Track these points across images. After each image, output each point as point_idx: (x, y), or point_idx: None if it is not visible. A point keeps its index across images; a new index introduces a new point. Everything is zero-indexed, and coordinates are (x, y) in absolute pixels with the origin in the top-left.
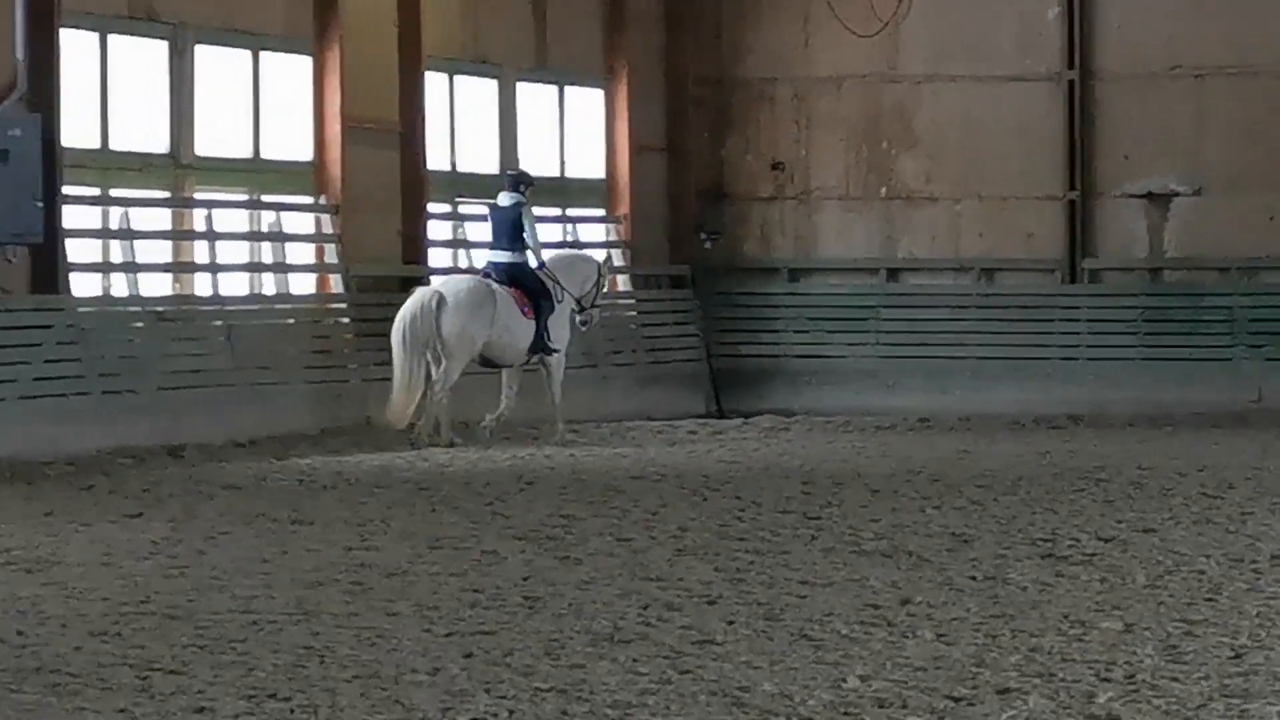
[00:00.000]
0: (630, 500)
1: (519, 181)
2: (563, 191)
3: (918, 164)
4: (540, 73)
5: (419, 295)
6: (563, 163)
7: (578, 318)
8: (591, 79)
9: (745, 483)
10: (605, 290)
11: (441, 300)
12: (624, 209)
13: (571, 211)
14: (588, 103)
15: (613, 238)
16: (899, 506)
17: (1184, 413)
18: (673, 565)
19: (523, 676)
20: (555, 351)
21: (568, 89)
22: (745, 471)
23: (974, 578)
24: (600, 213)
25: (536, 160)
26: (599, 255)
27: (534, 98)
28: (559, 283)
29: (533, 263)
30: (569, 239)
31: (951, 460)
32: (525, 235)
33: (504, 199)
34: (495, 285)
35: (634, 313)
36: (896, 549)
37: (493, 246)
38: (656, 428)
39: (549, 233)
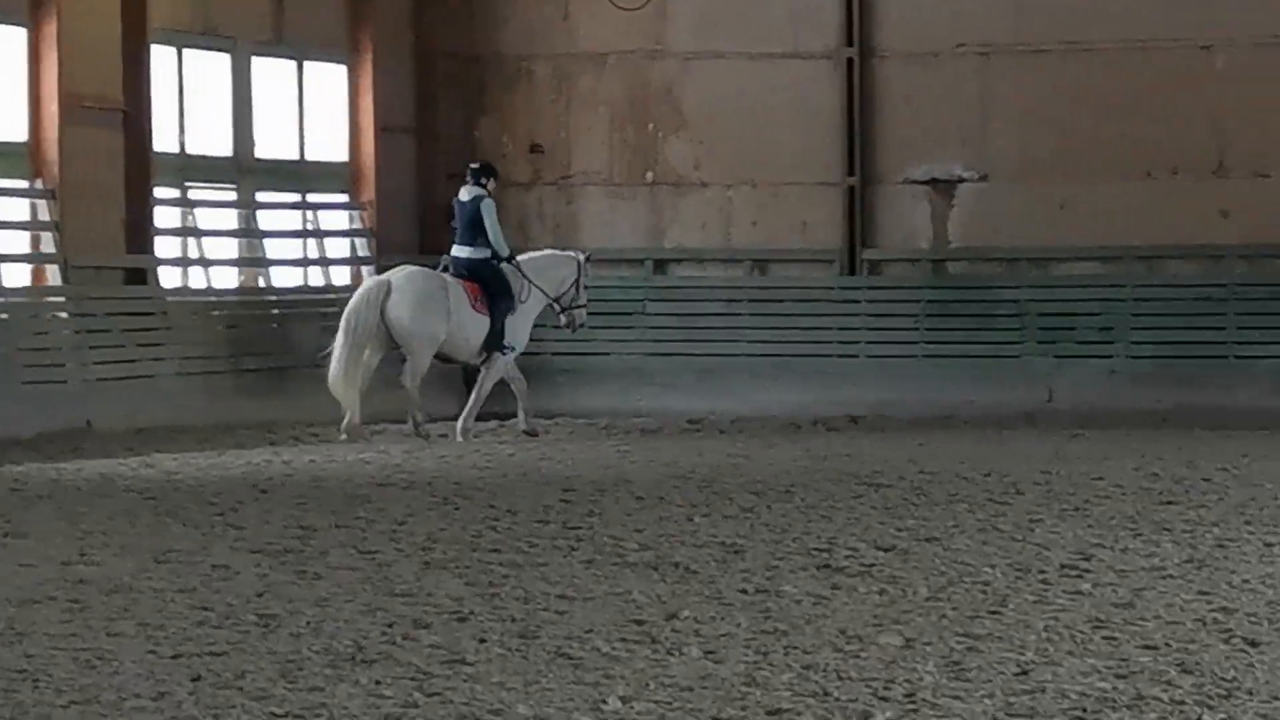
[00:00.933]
0: (375, 509)
1: (480, 174)
2: (301, 176)
3: (686, 147)
4: (277, 47)
5: (366, 284)
6: (302, 144)
7: (562, 319)
8: (333, 54)
9: (500, 490)
10: (585, 289)
11: (389, 291)
12: (368, 195)
13: (312, 197)
14: (329, 79)
15: (356, 225)
16: (666, 515)
17: (970, 413)
18: (420, 579)
19: (256, 701)
20: (508, 350)
21: (307, 64)
22: (500, 478)
23: (745, 590)
24: (343, 198)
25: (273, 142)
26: (580, 255)
27: (270, 74)
28: (531, 281)
29: (503, 254)
30: (309, 227)
31: (722, 465)
32: (487, 230)
33: (464, 193)
34: (449, 278)
35: None
36: (662, 560)
37: (456, 241)
38: (404, 430)
39: (288, 221)
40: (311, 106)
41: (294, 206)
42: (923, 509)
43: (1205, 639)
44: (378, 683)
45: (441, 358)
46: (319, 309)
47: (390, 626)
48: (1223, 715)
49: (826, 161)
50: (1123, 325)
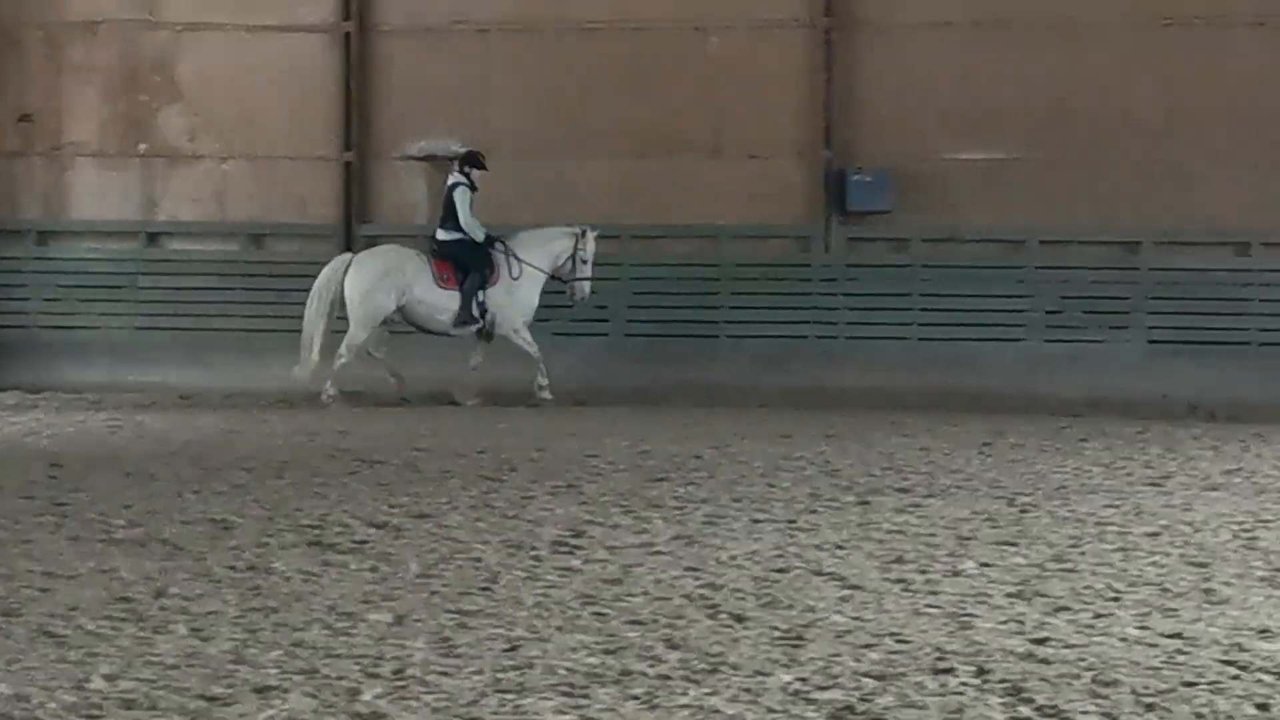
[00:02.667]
0: None
1: (463, 161)
2: None
3: (181, 120)
4: None
5: (335, 260)
6: None
7: (576, 291)
8: None
9: None
10: (588, 263)
11: (350, 266)
12: None
13: None
14: None
15: None
16: (155, 491)
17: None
18: None
19: None
20: (475, 323)
21: None
22: None
23: (234, 568)
24: None
25: None
26: (579, 229)
27: None
28: (517, 258)
29: (476, 238)
30: None
31: (215, 441)
32: (458, 214)
33: (449, 179)
34: (418, 255)
35: None
36: (150, 537)
37: (440, 224)
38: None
39: None
40: None
41: None
42: (416, 486)
43: (692, 615)
44: None
45: (418, 328)
46: None
47: None
48: (707, 690)
49: (324, 136)
50: (619, 303)
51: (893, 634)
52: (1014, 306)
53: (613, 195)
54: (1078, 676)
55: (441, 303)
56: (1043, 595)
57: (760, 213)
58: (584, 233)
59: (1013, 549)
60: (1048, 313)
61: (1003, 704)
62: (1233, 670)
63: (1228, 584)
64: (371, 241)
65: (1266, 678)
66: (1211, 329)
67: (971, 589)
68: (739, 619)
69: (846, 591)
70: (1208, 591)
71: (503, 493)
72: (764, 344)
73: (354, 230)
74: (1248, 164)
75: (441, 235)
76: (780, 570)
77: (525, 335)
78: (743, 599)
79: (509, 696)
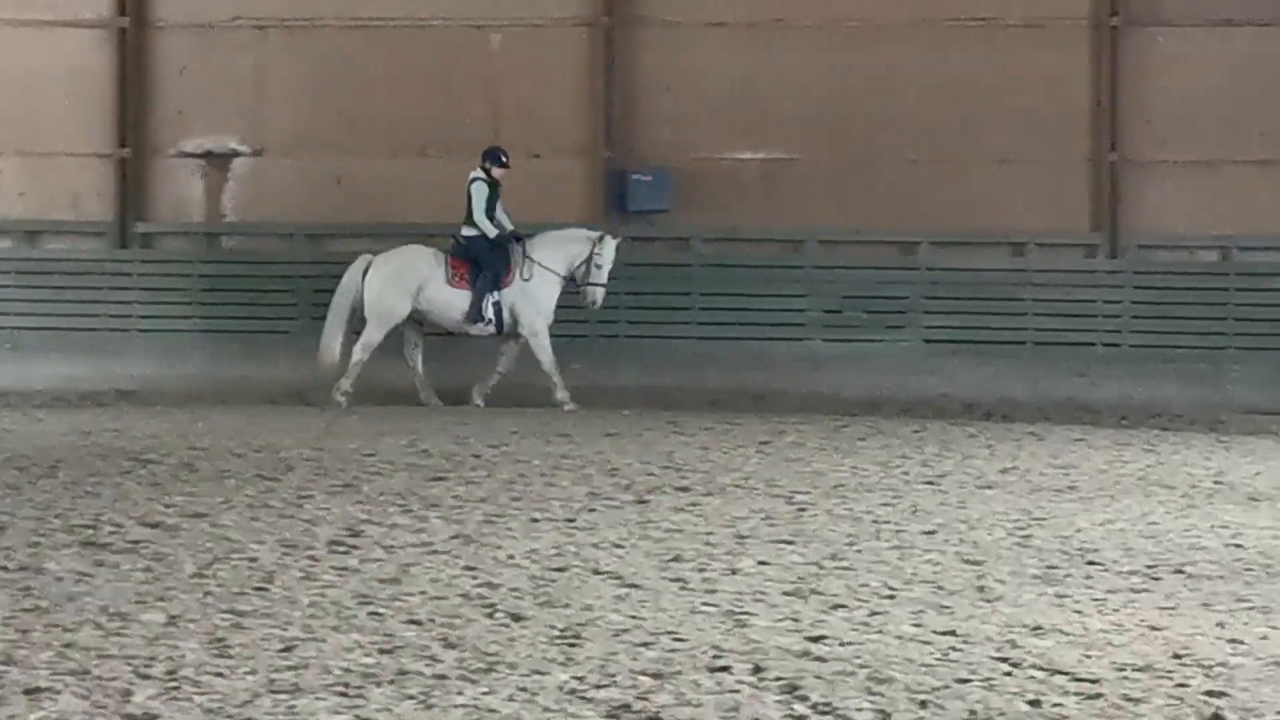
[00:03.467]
0: None
1: (484, 157)
2: None
3: None
4: None
5: (357, 260)
6: None
7: (587, 296)
8: None
9: None
10: (602, 268)
11: (369, 266)
12: None
13: None
14: None
15: None
16: None
17: (246, 389)
18: None
19: None
20: (480, 322)
21: None
22: None
23: (5, 568)
24: None
25: None
26: (596, 233)
27: None
28: (534, 260)
29: (489, 234)
30: None
31: None
32: (472, 210)
33: (470, 175)
34: (435, 255)
35: None
36: None
37: (463, 222)
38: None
39: None
40: None
41: None
42: (192, 485)
43: (469, 614)
44: None
45: (439, 328)
46: None
47: None
48: (484, 689)
49: (100, 133)
50: None
51: (670, 632)
52: (793, 306)
53: (391, 192)
54: (853, 674)
55: (453, 301)
56: (819, 593)
57: (541, 211)
58: (602, 237)
59: (790, 547)
60: (826, 312)
61: (779, 702)
62: (1005, 667)
63: (1001, 581)
64: (146, 240)
65: (1039, 674)
66: (988, 329)
67: (749, 587)
68: (516, 618)
69: (624, 590)
70: (982, 589)
71: (279, 492)
72: (566, 343)
73: (129, 228)
74: (1024, 165)
75: (462, 232)
76: (558, 569)
77: (543, 341)
78: (520, 598)
79: (283, 697)
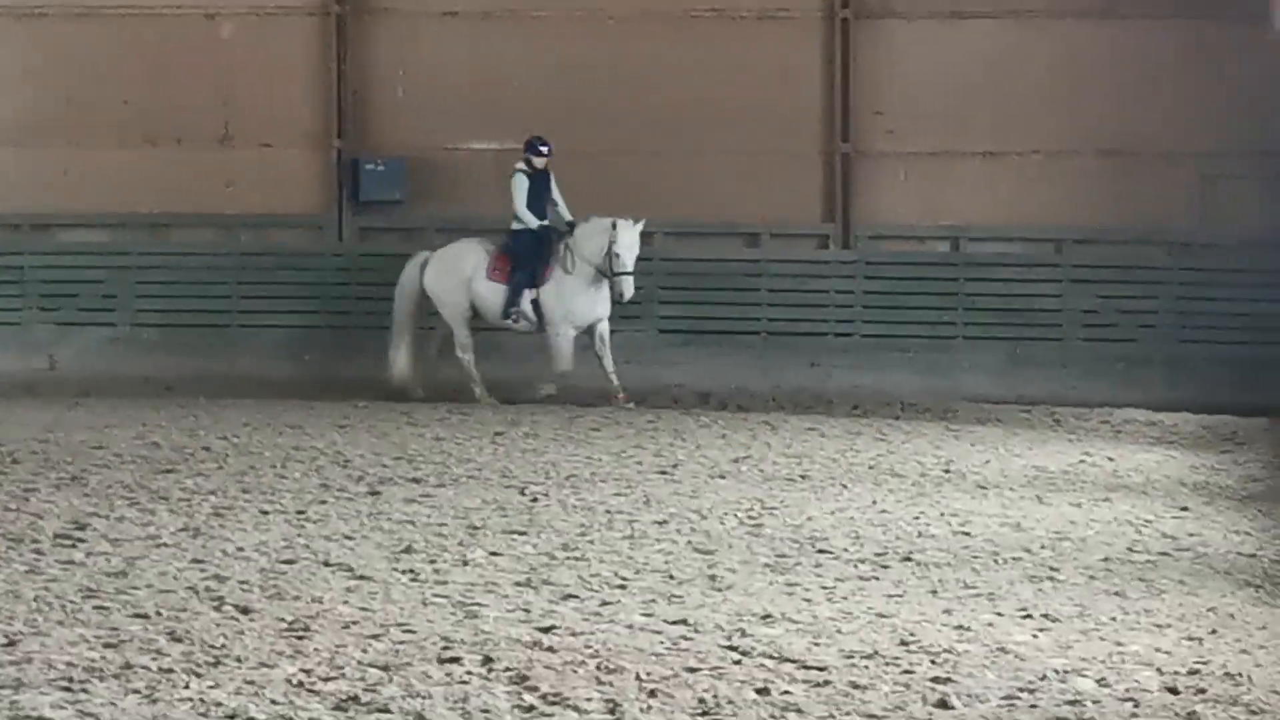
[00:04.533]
0: None
1: (525, 149)
2: None
3: None
4: None
5: (414, 256)
6: None
7: (614, 288)
8: None
9: None
10: (622, 256)
11: (426, 262)
12: None
13: None
14: None
15: None
16: None
17: None
18: None
19: None
20: (510, 315)
21: None
22: None
23: None
24: None
25: None
26: (610, 220)
27: None
28: (572, 252)
29: (530, 225)
30: None
31: None
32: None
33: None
34: (482, 248)
35: None
36: None
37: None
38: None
39: None
40: None
41: None
42: None
43: (197, 607)
44: None
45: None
46: None
47: None
48: (210, 683)
49: None
50: (127, 293)
51: (400, 624)
52: None
53: (119, 182)
54: (583, 664)
55: (492, 295)
56: (550, 584)
57: (273, 201)
58: (614, 224)
59: (522, 537)
60: None
61: (508, 692)
62: (735, 655)
63: (732, 570)
64: None
65: (768, 662)
66: (723, 319)
67: (480, 578)
68: (244, 611)
69: (354, 582)
70: (713, 578)
71: (4, 485)
72: (279, 334)
73: None
74: (758, 156)
75: (513, 226)
76: (288, 561)
77: (563, 343)
78: (249, 590)
79: (5, 692)
